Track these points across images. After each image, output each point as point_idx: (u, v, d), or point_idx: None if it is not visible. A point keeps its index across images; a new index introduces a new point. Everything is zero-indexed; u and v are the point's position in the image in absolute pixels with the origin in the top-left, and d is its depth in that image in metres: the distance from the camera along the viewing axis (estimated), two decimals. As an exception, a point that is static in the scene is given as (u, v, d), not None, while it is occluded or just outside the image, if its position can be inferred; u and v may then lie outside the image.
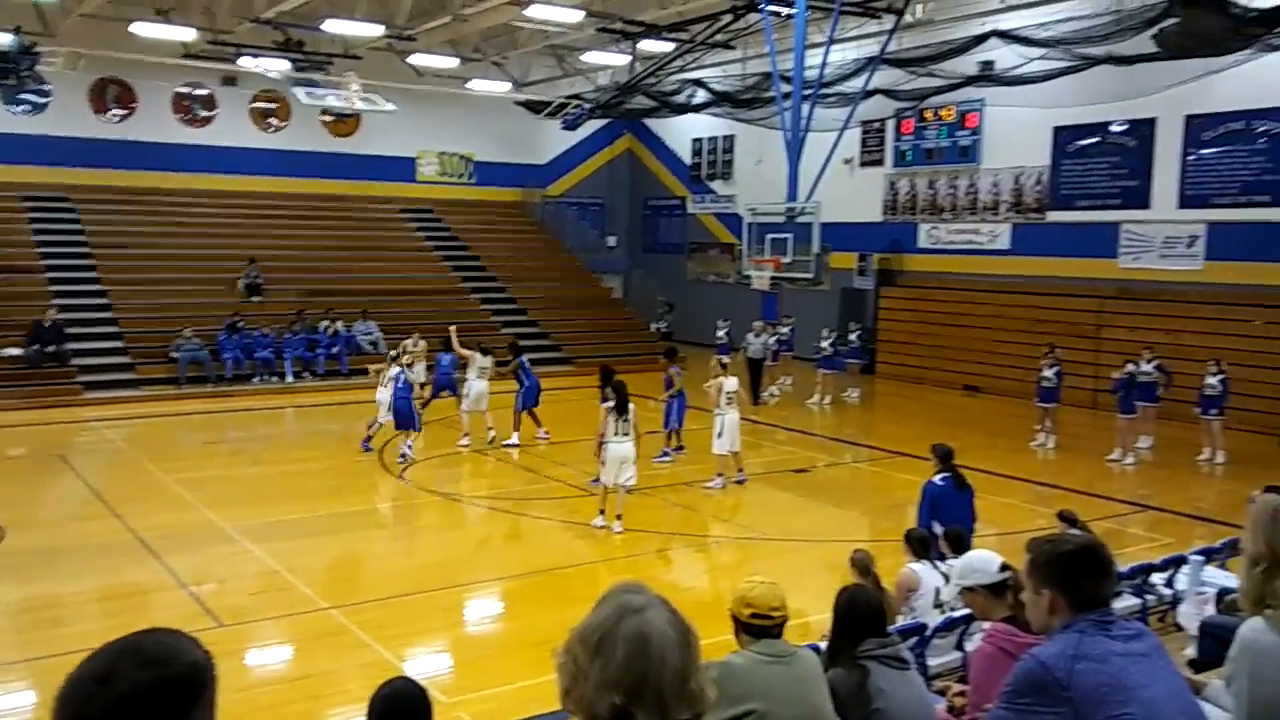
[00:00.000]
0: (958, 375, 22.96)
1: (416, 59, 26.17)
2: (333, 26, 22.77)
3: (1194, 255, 19.54)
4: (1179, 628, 7.52)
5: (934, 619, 6.83)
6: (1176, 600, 7.99)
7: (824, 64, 20.52)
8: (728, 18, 21.73)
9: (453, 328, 17.55)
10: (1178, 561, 8.20)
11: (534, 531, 12.20)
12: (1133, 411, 15.87)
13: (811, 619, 7.50)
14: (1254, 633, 3.03)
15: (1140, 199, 20.41)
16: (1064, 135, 21.64)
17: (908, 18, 21.36)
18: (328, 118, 28.74)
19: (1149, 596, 8.05)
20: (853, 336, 22.45)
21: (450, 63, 26.44)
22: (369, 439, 15.60)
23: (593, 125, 30.98)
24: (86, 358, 21.14)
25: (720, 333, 23.07)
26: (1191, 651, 6.16)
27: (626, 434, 11.39)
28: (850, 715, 3.88)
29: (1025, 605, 3.17)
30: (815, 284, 21.79)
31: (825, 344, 21.41)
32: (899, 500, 12.96)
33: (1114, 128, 20.76)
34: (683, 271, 32.33)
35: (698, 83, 25.58)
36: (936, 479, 9.16)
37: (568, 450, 16.12)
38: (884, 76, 21.79)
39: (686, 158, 32.07)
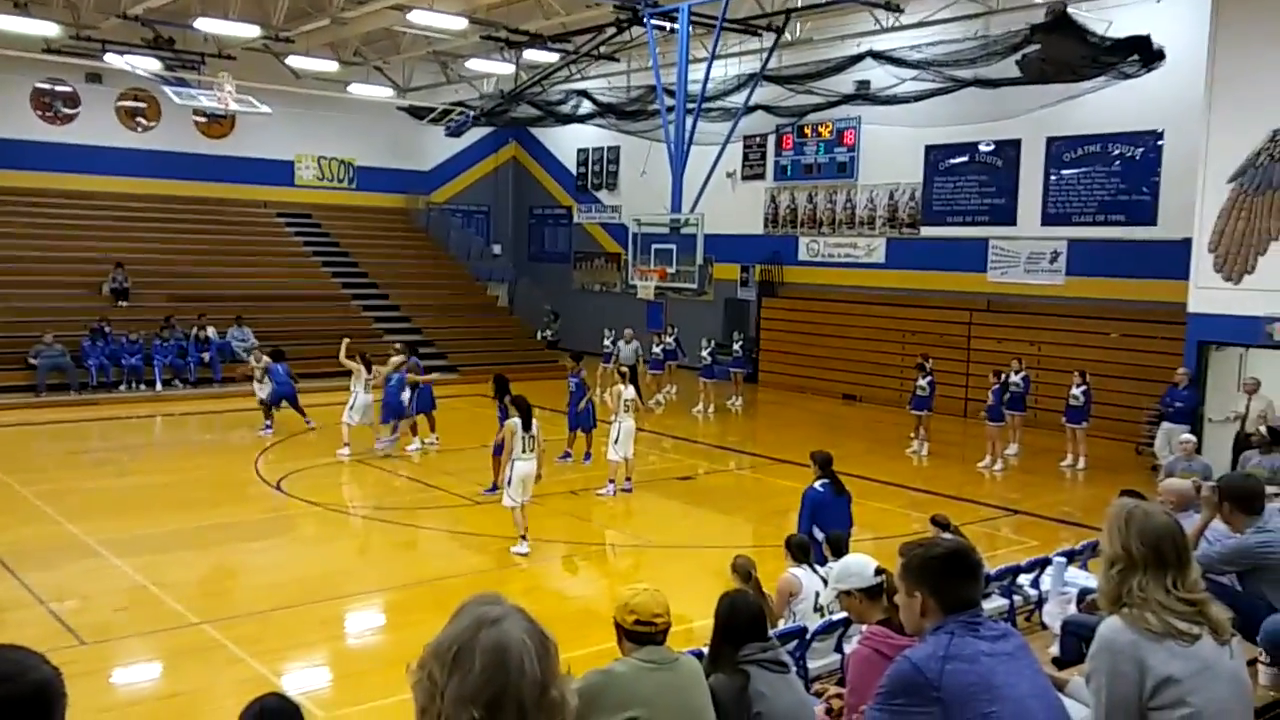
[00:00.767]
0: (836, 384, 23.52)
1: (294, 61, 25.54)
2: (205, 25, 22.06)
3: (1056, 270, 20.45)
4: (1044, 626, 7.85)
5: (815, 622, 6.97)
6: (1041, 600, 8.34)
7: (706, 79, 20.80)
8: (611, 30, 21.85)
9: (345, 340, 17.25)
10: (1042, 563, 8.56)
11: (418, 542, 12.02)
12: (1001, 420, 16.52)
13: (695, 625, 7.57)
14: (1112, 631, 3.18)
15: (1007, 216, 21.27)
16: (935, 154, 22.41)
17: (787, 36, 21.83)
18: (200, 118, 27.81)
19: (1016, 597, 8.38)
20: (736, 346, 22.78)
21: (330, 66, 25.89)
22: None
23: (478, 132, 30.75)
24: (-64, 364, 20.01)
25: (607, 342, 23.14)
26: (1055, 650, 6.43)
27: (532, 450, 11.11)
28: (731, 719, 3.94)
29: (899, 607, 3.28)
30: (699, 294, 22.07)
31: (704, 353, 21.71)
32: (780, 506, 13.19)
33: (982, 147, 21.60)
34: (569, 280, 32.32)
35: (583, 93, 25.64)
36: (816, 485, 9.36)
37: (454, 459, 15.95)
38: (765, 93, 22.22)
39: (572, 167, 32.10)
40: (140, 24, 22.21)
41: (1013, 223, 21.16)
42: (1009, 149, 21.14)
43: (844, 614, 6.40)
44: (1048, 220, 20.59)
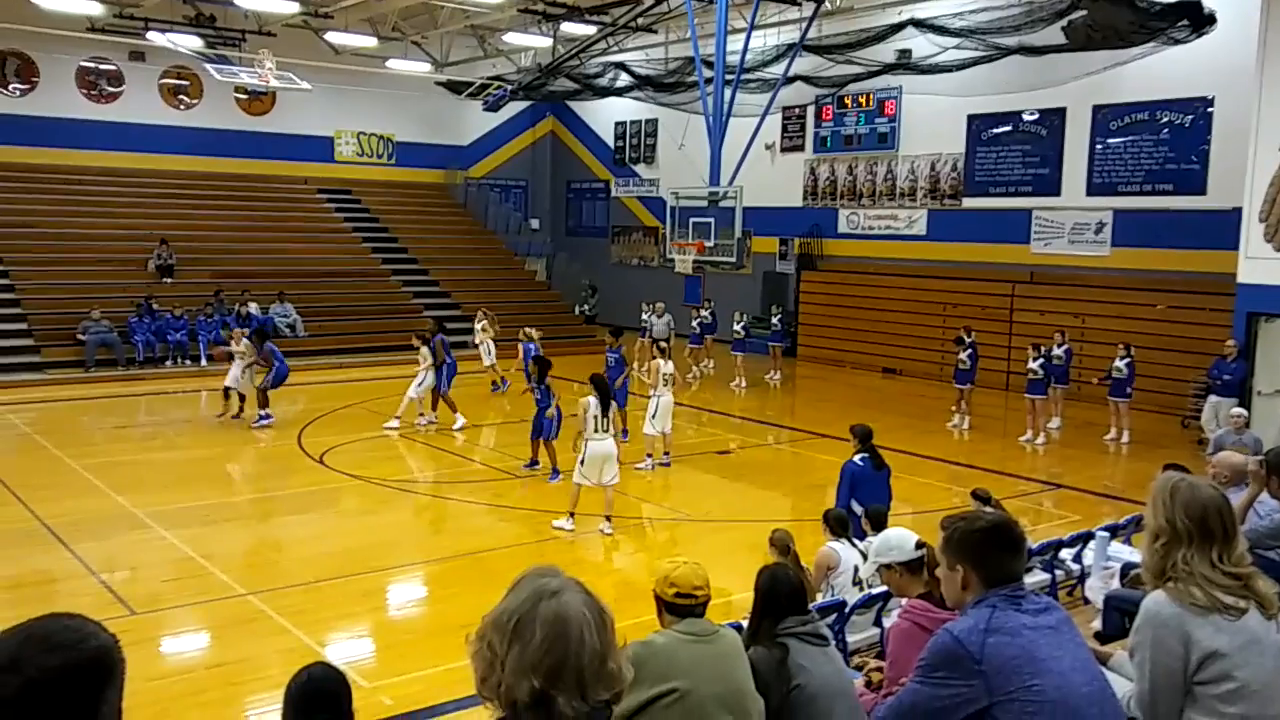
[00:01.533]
0: (876, 358, 23.37)
1: (334, 37, 25.62)
2: (246, 2, 22.17)
3: (1101, 241, 20.13)
4: (1086, 601, 7.78)
5: (853, 596, 6.97)
6: (1084, 575, 8.27)
7: (745, 49, 20.62)
8: (649, 1, 21.70)
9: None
10: (1085, 538, 8.48)
11: (457, 515, 12.13)
12: (1043, 393, 16.33)
13: (734, 598, 7.59)
14: (1157, 605, 3.15)
15: (1051, 186, 20.95)
16: (978, 123, 22.09)
17: (827, 5, 21.57)
18: (241, 95, 28.05)
19: (1058, 571, 8.32)
20: (774, 320, 22.69)
21: (368, 41, 25.95)
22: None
23: (515, 107, 30.73)
24: (-12, 340, 20.42)
25: (644, 316, 23.13)
26: (1097, 624, 6.38)
27: (607, 430, 11.05)
28: (771, 692, 3.94)
29: (940, 581, 3.26)
30: (737, 268, 21.97)
31: (737, 328, 21.65)
32: (818, 480, 13.18)
33: (1026, 116, 21.26)
34: (607, 255, 32.30)
35: (620, 66, 25.51)
36: (855, 459, 9.33)
37: (492, 434, 16.06)
38: (804, 63, 21.98)
39: (610, 141, 32.00)
40: (182, 2, 22.40)
41: (1057, 193, 20.85)
42: (1053, 118, 20.78)
43: (883, 588, 6.39)
44: (1093, 190, 20.26)
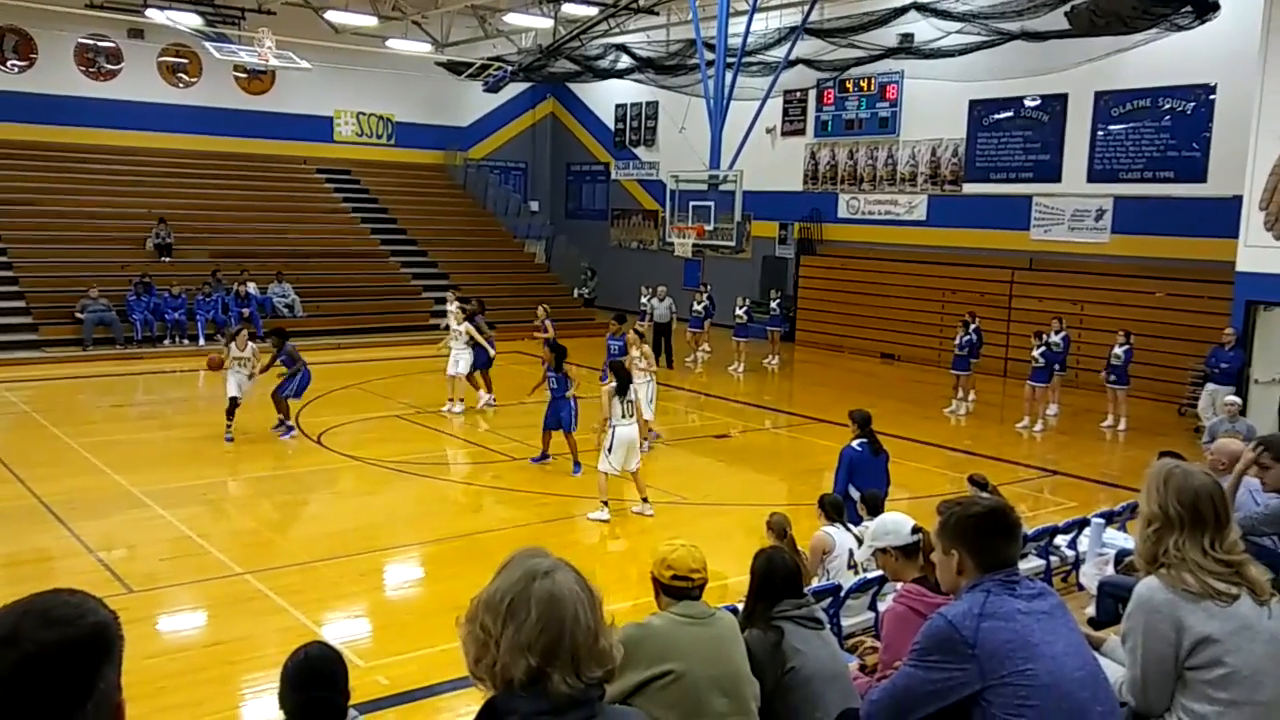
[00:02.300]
0: (875, 343, 23.38)
1: (333, 16, 25.49)
2: (246, -21, 22.07)
3: (1101, 228, 20.12)
4: (1081, 587, 7.83)
5: (848, 580, 7.00)
6: (1079, 561, 8.31)
7: (747, 32, 20.55)
8: (652, -18, 21.61)
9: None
10: (1080, 524, 8.52)
11: (455, 496, 12.15)
12: (1046, 381, 16.32)
13: (730, 581, 7.62)
14: (1150, 590, 3.16)
15: (1052, 172, 20.92)
16: (979, 109, 22.04)
17: (830, -12, 21.49)
18: (241, 74, 27.94)
19: (1053, 558, 8.35)
20: (773, 304, 22.68)
21: (369, 21, 25.82)
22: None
23: (515, 88, 30.64)
24: (-14, 318, 20.41)
25: (643, 299, 23.11)
26: (1091, 610, 6.41)
27: (631, 415, 11.00)
28: (766, 674, 3.96)
29: (935, 566, 3.27)
30: (737, 252, 21.96)
31: (740, 312, 21.63)
32: (816, 465, 13.21)
33: (1028, 102, 21.21)
34: (606, 237, 32.26)
35: (621, 48, 25.42)
36: (854, 444, 9.35)
37: (490, 416, 16.06)
38: (806, 46, 21.91)
39: (610, 123, 31.91)
40: (180, -21, 22.28)
41: (1057, 179, 20.82)
42: (1055, 104, 20.74)
43: (879, 572, 6.42)
44: (1094, 177, 20.23)
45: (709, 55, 20.78)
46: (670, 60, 24.50)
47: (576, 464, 12.75)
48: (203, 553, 9.47)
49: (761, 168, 23.70)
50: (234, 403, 13.96)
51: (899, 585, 4.51)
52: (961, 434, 16.03)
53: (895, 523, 4.64)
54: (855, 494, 8.77)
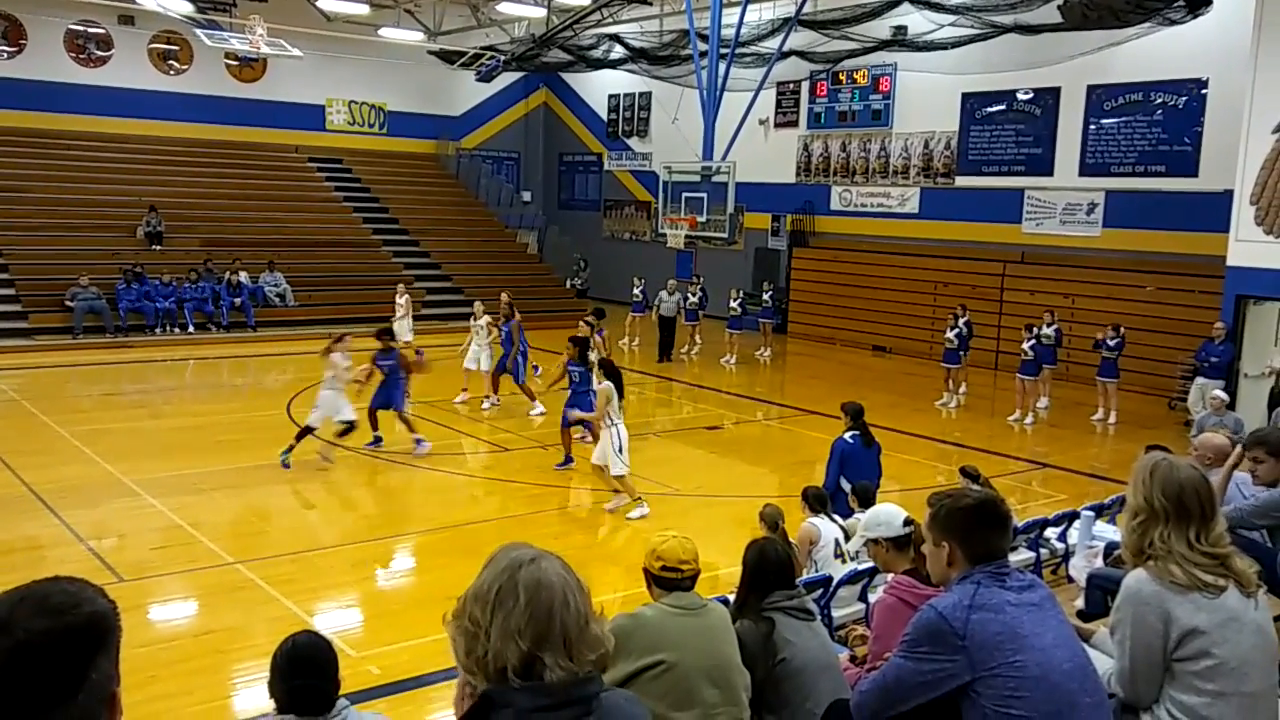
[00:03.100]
0: (867, 336, 23.41)
1: (325, 4, 25.39)
2: (238, -34, 21.94)
3: (1093, 222, 20.16)
4: (1070, 580, 7.85)
5: (835, 570, 7.02)
6: (1068, 554, 8.34)
7: (740, 23, 20.51)
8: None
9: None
10: (1070, 517, 8.55)
11: (447, 487, 12.14)
12: (1036, 374, 16.37)
13: (721, 572, 7.64)
14: (1138, 582, 3.18)
15: (1044, 166, 20.95)
16: (972, 102, 22.05)
17: (824, -21, 21.46)
18: (232, 62, 27.81)
19: (1043, 550, 8.39)
20: (766, 296, 22.69)
21: (361, 9, 25.73)
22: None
23: (508, 78, 30.54)
24: (-25, 306, 20.31)
25: (635, 290, 23.09)
26: (1080, 603, 6.44)
27: (622, 413, 10.86)
28: (757, 665, 3.98)
29: (926, 557, 3.29)
30: (729, 243, 21.95)
31: (734, 304, 21.63)
32: (807, 457, 13.23)
33: (1020, 95, 21.22)
34: (599, 228, 32.22)
35: (614, 38, 25.36)
36: (846, 436, 9.36)
37: (481, 408, 16.05)
38: (799, 38, 21.89)
39: (603, 113, 31.85)
40: (171, -34, 22.14)
41: (1050, 173, 20.85)
42: (1048, 97, 20.76)
43: (869, 563, 6.44)
44: (1086, 171, 20.26)
45: (702, 46, 20.74)
46: (663, 51, 24.45)
47: (567, 458, 12.68)
48: (193, 542, 9.46)
49: (754, 159, 23.69)
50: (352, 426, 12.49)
51: (890, 577, 4.52)
52: (952, 426, 16.08)
53: (888, 514, 4.66)
54: (847, 486, 8.79)
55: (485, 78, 27.87)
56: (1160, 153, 19.14)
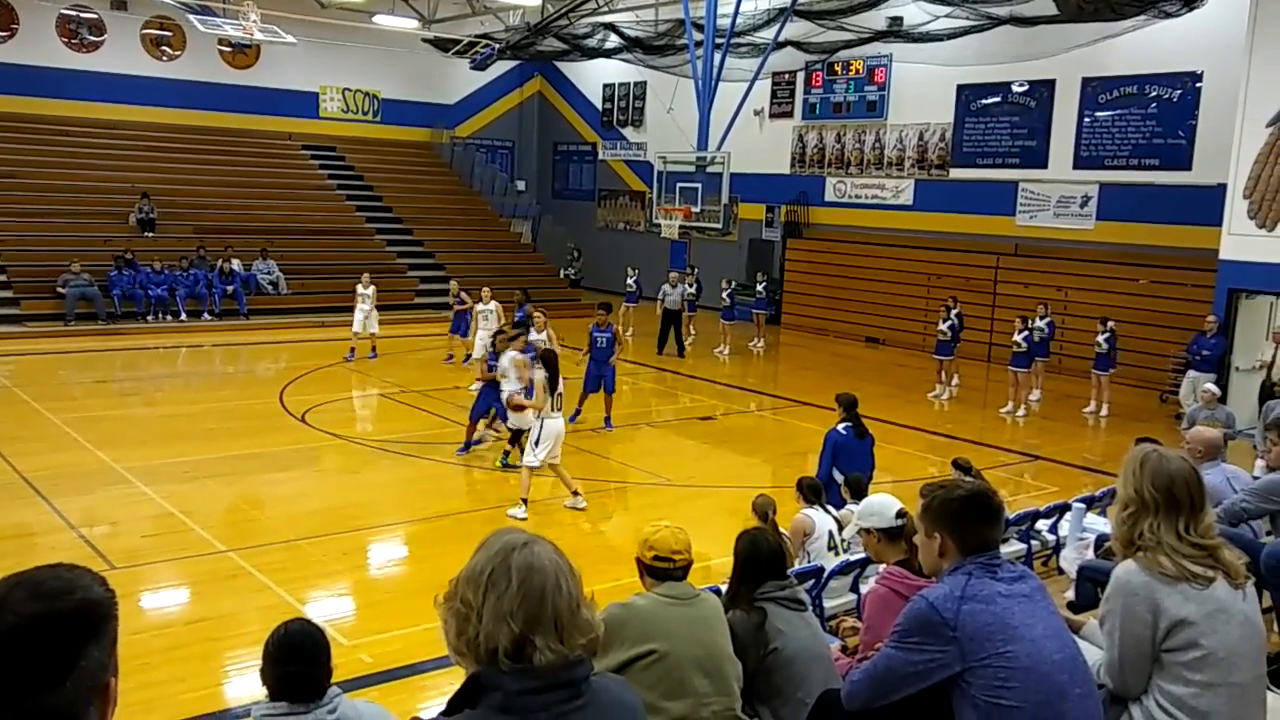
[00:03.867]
0: (860, 327, 23.43)
1: (320, -10, 25.30)
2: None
3: (1086, 215, 20.19)
4: (1061, 572, 7.89)
5: (829, 561, 7.04)
6: (1059, 546, 8.37)
7: (736, 13, 20.48)
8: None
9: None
10: (1061, 509, 8.58)
11: (438, 475, 12.14)
12: (1027, 366, 16.40)
13: (714, 562, 7.65)
14: (1127, 574, 3.20)
15: (1038, 159, 20.96)
16: (967, 93, 22.04)
17: (820, -31, 21.41)
18: (225, 48, 27.68)
19: (1034, 542, 8.41)
20: (759, 287, 22.69)
21: (355, -5, 25.63)
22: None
23: (503, 66, 30.44)
24: (-34, 292, 20.23)
25: (629, 281, 23.07)
26: (1070, 595, 6.46)
27: (558, 409, 10.60)
28: (749, 655, 3.99)
29: (917, 549, 3.30)
30: (723, 234, 21.94)
31: (725, 295, 21.64)
32: (800, 448, 13.25)
33: (1015, 88, 21.22)
34: (593, 218, 32.17)
35: (610, 27, 25.29)
36: (839, 428, 9.38)
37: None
38: (795, 28, 21.85)
39: (598, 103, 31.77)
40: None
41: (1044, 165, 20.86)
42: (1043, 89, 20.76)
43: (861, 555, 6.46)
44: (1080, 164, 20.28)
45: (697, 35, 20.71)
46: (659, 40, 24.39)
47: (608, 420, 13.28)
48: (185, 530, 9.45)
49: (749, 150, 23.66)
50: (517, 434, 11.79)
51: (882, 567, 4.54)
52: (945, 418, 16.11)
53: (881, 505, 4.67)
54: (839, 477, 8.81)
55: (480, 66, 27.80)
56: (1154, 146, 19.16)
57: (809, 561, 7.09)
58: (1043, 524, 8.59)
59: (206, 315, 22.28)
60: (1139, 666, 3.16)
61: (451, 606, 1.99)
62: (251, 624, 7.28)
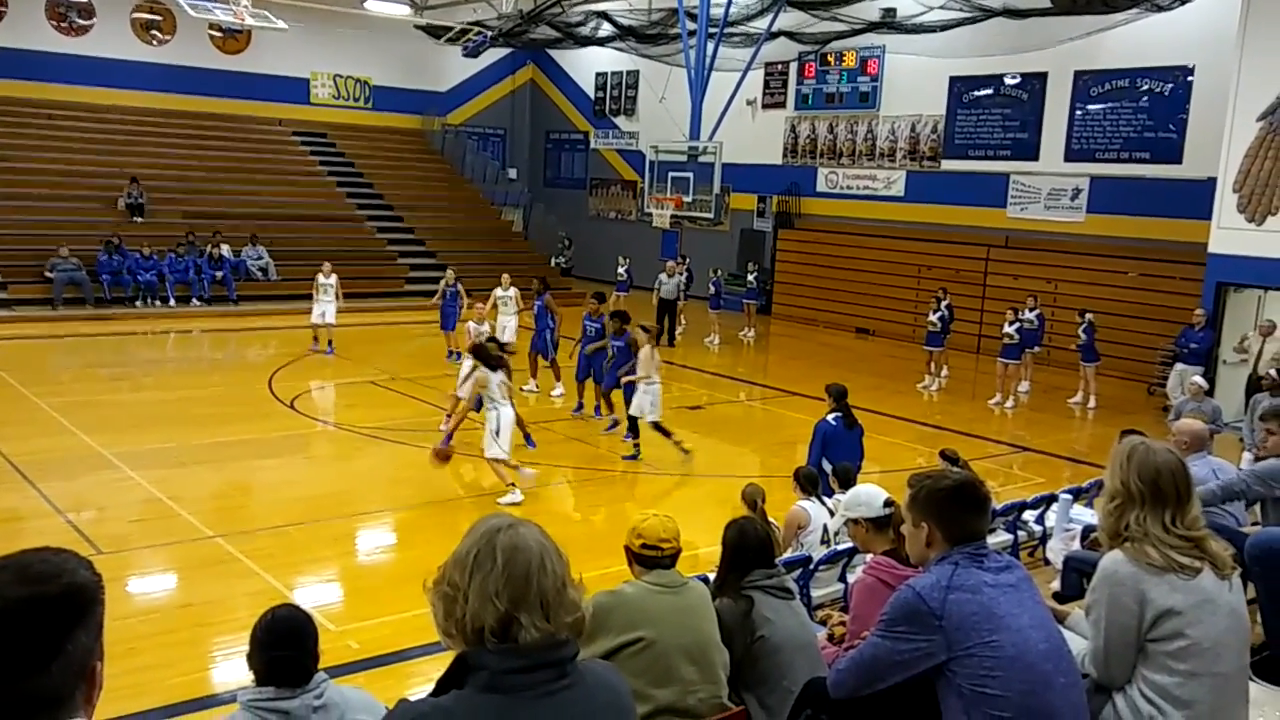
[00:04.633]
0: (851, 318, 23.47)
1: (312, -25, 25.13)
2: (222, -65, 21.68)
3: (1077, 208, 20.23)
4: (1047, 562, 7.92)
5: (820, 554, 7.05)
6: (1045, 537, 8.41)
7: (729, 2, 20.44)
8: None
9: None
10: (1048, 500, 8.61)
11: (427, 463, 12.12)
12: (1018, 358, 16.44)
13: (701, 551, 7.67)
14: (1114, 564, 3.21)
15: (1029, 151, 20.98)
16: (959, 85, 22.04)
17: (814, -41, 21.38)
18: (216, 33, 27.51)
19: (1021, 533, 8.45)
20: (750, 277, 22.69)
21: (347, -19, 25.46)
22: None
23: (495, 54, 30.34)
24: (-47, 276, 20.11)
25: (620, 270, 23.04)
26: (1056, 585, 6.50)
27: (507, 397, 10.48)
28: (736, 643, 4.00)
29: (904, 538, 3.31)
30: (715, 224, 21.94)
31: (711, 284, 21.63)
32: (789, 437, 13.28)
33: (1007, 80, 21.23)
34: (584, 207, 32.12)
35: (603, 15, 25.23)
36: (829, 418, 9.40)
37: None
38: (788, 18, 21.83)
39: (590, 91, 31.69)
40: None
41: (1035, 158, 20.89)
42: (1035, 82, 20.77)
43: (849, 544, 6.48)
44: (1071, 156, 20.31)
45: (691, 25, 20.66)
46: (652, 29, 24.35)
47: (598, 409, 13.31)
48: (173, 515, 9.43)
49: (741, 140, 23.64)
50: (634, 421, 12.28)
51: (869, 557, 4.55)
52: (934, 409, 16.15)
53: (868, 494, 4.68)
54: (828, 467, 8.83)
55: (472, 53, 27.68)
56: (1145, 139, 19.20)
57: (802, 552, 7.10)
58: (1029, 515, 8.62)
59: (195, 301, 22.20)
60: (1124, 656, 3.18)
61: (439, 590, 2.01)
62: (239, 609, 7.27)
